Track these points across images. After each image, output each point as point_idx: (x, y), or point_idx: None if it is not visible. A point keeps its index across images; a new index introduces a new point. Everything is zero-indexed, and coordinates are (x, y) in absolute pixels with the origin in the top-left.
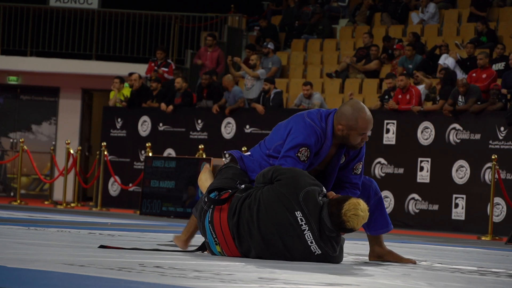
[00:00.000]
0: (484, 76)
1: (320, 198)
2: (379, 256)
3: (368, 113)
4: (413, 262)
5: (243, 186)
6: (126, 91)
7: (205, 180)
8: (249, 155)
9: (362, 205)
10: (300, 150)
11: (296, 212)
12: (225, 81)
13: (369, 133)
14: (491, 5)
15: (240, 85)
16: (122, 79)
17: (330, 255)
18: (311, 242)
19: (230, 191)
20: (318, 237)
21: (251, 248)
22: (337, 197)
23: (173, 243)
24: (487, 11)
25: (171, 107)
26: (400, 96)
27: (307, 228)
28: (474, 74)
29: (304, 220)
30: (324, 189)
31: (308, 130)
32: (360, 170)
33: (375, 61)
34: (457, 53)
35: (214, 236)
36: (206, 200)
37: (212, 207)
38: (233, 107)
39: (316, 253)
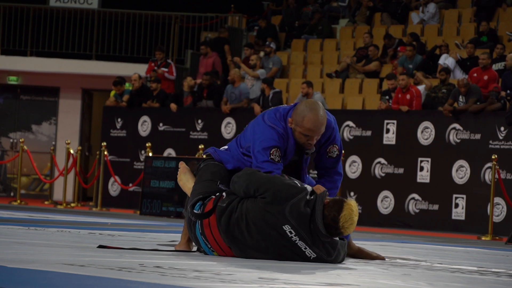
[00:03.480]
0: (485, 78)
1: (304, 203)
2: (350, 255)
3: (320, 116)
4: (381, 258)
5: (224, 194)
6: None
7: (186, 180)
8: (226, 148)
9: (354, 209)
10: (271, 152)
11: (284, 226)
12: (233, 75)
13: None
14: (498, 6)
15: None
16: (123, 80)
17: (325, 259)
18: (305, 248)
19: (214, 197)
20: (311, 243)
21: (248, 257)
22: (330, 205)
23: (174, 243)
24: (493, 13)
25: (174, 105)
26: (400, 96)
27: (297, 238)
28: (475, 74)
29: (293, 232)
30: (309, 188)
31: (271, 131)
32: (335, 153)
33: (374, 62)
34: (457, 53)
35: (209, 246)
36: (191, 213)
37: (199, 220)
38: (236, 106)
39: (311, 257)
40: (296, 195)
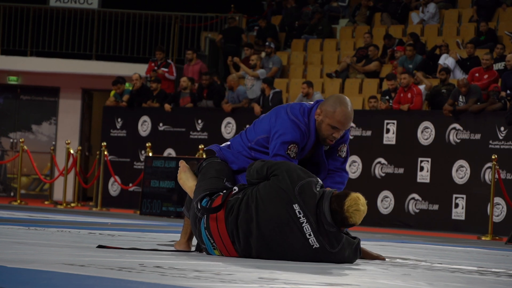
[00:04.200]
0: (485, 77)
1: (318, 189)
2: None
3: (350, 109)
4: (382, 258)
5: (236, 188)
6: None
7: (186, 179)
8: (229, 145)
9: (362, 199)
10: (289, 147)
11: (294, 205)
12: (230, 81)
13: (344, 134)
14: (497, 6)
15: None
16: (123, 80)
17: (327, 250)
18: (309, 235)
19: (222, 193)
20: (316, 229)
21: (251, 247)
22: (337, 193)
23: (174, 243)
24: (493, 13)
25: (168, 106)
26: (401, 95)
27: (305, 220)
28: (477, 74)
29: (302, 212)
30: (320, 181)
31: (293, 126)
32: (345, 153)
33: (374, 62)
34: (457, 53)
35: (212, 241)
36: (199, 207)
37: (206, 215)
38: (237, 106)
39: (314, 246)
40: (306, 178)
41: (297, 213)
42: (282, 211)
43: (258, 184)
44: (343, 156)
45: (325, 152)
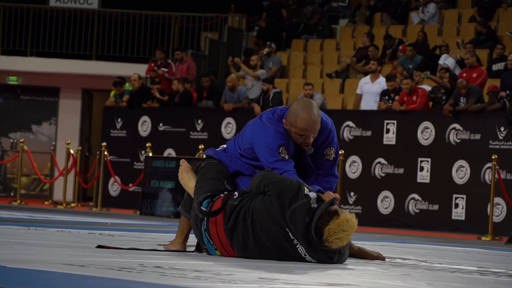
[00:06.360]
0: (474, 75)
1: (306, 210)
2: (350, 255)
3: (313, 115)
4: (382, 258)
5: (236, 194)
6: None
7: (188, 179)
8: (225, 148)
9: (346, 224)
10: (280, 150)
11: (286, 228)
12: (231, 82)
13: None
14: (497, 7)
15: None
16: (123, 80)
17: (326, 262)
18: (305, 255)
19: (223, 195)
20: (310, 251)
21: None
22: (324, 216)
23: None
24: (493, 13)
25: (166, 97)
26: (405, 98)
27: (298, 243)
28: (464, 74)
29: (293, 235)
30: (314, 195)
31: (272, 131)
32: (332, 156)
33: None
34: (457, 53)
35: (212, 243)
36: (199, 210)
37: (206, 217)
38: (237, 106)
39: (312, 262)
40: (299, 200)
41: (290, 235)
42: (276, 232)
43: (256, 196)
44: (331, 159)
45: (311, 157)
